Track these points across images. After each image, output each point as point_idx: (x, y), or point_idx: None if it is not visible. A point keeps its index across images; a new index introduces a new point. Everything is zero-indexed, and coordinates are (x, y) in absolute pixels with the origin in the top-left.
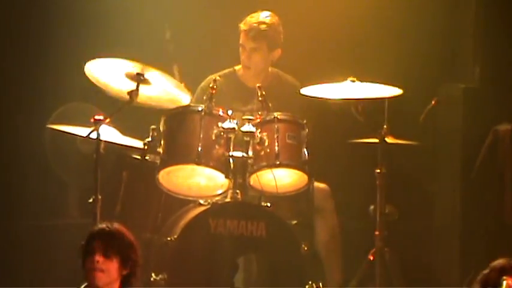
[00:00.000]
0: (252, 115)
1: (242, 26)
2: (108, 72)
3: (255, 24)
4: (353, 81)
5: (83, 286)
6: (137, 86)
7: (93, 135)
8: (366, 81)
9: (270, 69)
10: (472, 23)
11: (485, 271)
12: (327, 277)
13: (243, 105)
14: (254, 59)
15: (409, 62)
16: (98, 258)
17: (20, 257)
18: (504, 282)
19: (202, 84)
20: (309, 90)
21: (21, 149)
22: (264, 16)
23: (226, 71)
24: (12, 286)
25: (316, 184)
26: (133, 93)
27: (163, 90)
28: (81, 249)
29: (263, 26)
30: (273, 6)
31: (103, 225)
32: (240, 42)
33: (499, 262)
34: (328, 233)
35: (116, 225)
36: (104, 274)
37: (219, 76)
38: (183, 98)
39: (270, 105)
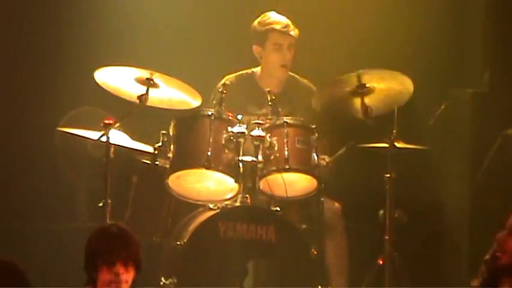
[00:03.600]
0: (261, 120)
1: (275, 26)
2: (118, 78)
3: (285, 22)
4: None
5: None
6: (147, 90)
7: (103, 139)
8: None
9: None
10: (481, 27)
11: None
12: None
13: (258, 109)
14: (290, 56)
15: (419, 67)
16: (120, 270)
17: (30, 259)
18: None
19: (219, 85)
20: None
21: (32, 152)
22: (282, 17)
23: (243, 72)
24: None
25: (329, 202)
26: (143, 97)
27: (173, 93)
28: (90, 252)
29: (290, 23)
30: (282, 6)
31: (115, 227)
32: (273, 41)
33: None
34: (337, 251)
35: (126, 228)
36: (126, 285)
37: (236, 77)
38: (194, 100)
39: (279, 109)
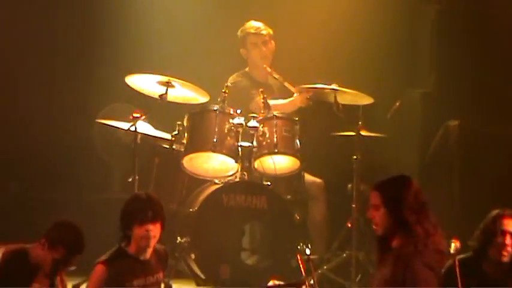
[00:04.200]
0: (255, 114)
1: (250, 30)
2: (144, 81)
3: (257, 25)
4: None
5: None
6: (166, 90)
7: (132, 129)
8: (346, 88)
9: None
10: (428, 35)
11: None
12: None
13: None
14: (268, 48)
15: (378, 70)
16: (150, 227)
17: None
18: (452, 244)
19: (230, 82)
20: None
21: (76, 140)
22: (256, 22)
23: (241, 71)
24: None
25: (313, 178)
26: (163, 96)
27: (186, 92)
28: (126, 213)
29: (262, 25)
30: (263, 16)
31: (145, 194)
32: (250, 42)
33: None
34: (319, 218)
35: (153, 195)
36: (155, 240)
37: (237, 75)
38: (201, 97)
39: (270, 105)
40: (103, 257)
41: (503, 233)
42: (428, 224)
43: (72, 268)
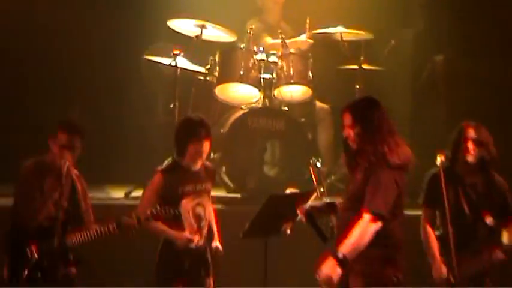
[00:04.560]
0: (275, 50)
1: None
2: (184, 24)
3: None
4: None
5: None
6: (201, 31)
7: (173, 63)
8: (350, 28)
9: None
10: None
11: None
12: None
13: (265, 37)
14: (277, 3)
15: (377, 13)
16: (203, 143)
17: (124, 145)
18: (438, 158)
19: (246, 27)
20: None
21: (129, 71)
22: None
23: (258, 17)
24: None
25: (322, 104)
26: (199, 36)
27: (217, 32)
28: (182, 131)
29: None
30: None
31: (198, 116)
32: None
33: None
34: (326, 138)
35: (203, 117)
36: (205, 154)
37: (255, 19)
38: (230, 37)
39: (287, 43)
40: (160, 167)
41: (466, 139)
42: (393, 140)
43: (77, 152)
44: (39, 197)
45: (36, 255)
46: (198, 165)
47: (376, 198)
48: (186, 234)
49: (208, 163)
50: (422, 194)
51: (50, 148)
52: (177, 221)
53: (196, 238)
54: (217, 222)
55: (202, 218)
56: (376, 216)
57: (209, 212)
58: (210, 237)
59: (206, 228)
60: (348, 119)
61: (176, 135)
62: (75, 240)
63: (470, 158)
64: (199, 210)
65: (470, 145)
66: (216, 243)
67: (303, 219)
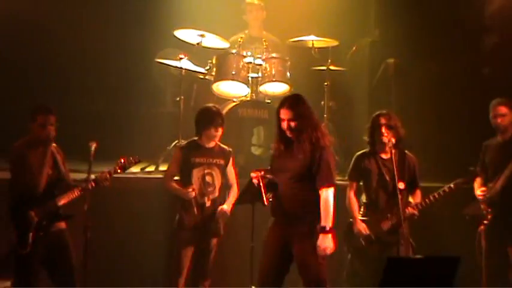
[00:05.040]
0: (261, 56)
1: (248, 1)
2: (187, 33)
3: (252, 2)
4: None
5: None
6: (201, 40)
7: (179, 65)
8: (320, 37)
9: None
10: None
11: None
12: None
13: (252, 44)
14: (260, 13)
15: (341, 24)
16: (219, 129)
17: (132, 133)
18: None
19: (232, 38)
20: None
21: (142, 71)
22: None
23: (246, 31)
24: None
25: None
26: (199, 43)
27: (214, 41)
28: (202, 117)
29: (256, 2)
30: None
31: (215, 107)
32: (248, 10)
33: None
34: None
35: (218, 107)
36: (218, 137)
37: (243, 34)
38: (224, 44)
39: (270, 49)
40: (179, 145)
41: (380, 125)
42: (320, 128)
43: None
44: (31, 169)
45: (36, 218)
46: (211, 144)
47: (328, 174)
48: (187, 189)
49: (226, 147)
50: (349, 170)
51: (31, 129)
52: (188, 184)
53: (192, 192)
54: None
55: (211, 184)
56: (332, 186)
57: (219, 181)
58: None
59: (216, 194)
60: (287, 114)
61: (197, 120)
62: (64, 201)
63: (385, 139)
64: (208, 178)
65: (384, 129)
66: (223, 206)
67: (256, 182)
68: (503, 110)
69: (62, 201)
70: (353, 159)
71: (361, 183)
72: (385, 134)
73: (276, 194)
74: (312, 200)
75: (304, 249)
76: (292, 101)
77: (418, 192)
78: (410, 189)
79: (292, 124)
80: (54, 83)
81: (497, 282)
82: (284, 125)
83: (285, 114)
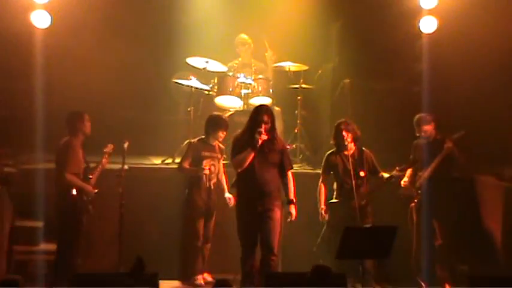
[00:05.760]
0: (251, 77)
1: (239, 40)
2: (196, 60)
3: (243, 37)
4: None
5: (188, 142)
6: (206, 65)
7: (190, 84)
8: (295, 62)
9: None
10: (335, 36)
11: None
12: None
13: (247, 70)
14: (248, 49)
15: (310, 54)
16: (225, 132)
17: (149, 137)
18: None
19: (229, 64)
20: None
21: (161, 88)
22: (243, 35)
23: (240, 58)
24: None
25: (277, 108)
26: (205, 67)
27: (216, 65)
28: (212, 123)
29: (246, 37)
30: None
31: (222, 114)
32: (239, 46)
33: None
34: (279, 129)
35: (224, 116)
36: (221, 139)
37: (235, 61)
38: (223, 68)
39: (257, 72)
40: (192, 141)
41: (341, 130)
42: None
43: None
44: (78, 158)
45: (76, 192)
46: (214, 143)
47: (291, 161)
48: (200, 168)
49: (221, 145)
50: (322, 165)
51: (76, 130)
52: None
53: (205, 169)
54: (226, 179)
55: (213, 172)
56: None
57: (218, 170)
58: (221, 188)
59: (215, 180)
60: (268, 119)
61: (207, 123)
62: (94, 180)
63: (346, 141)
64: (212, 168)
65: (345, 133)
66: (227, 195)
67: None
68: (427, 119)
69: (93, 180)
70: (324, 157)
71: (332, 174)
72: (345, 136)
73: (255, 178)
74: (280, 181)
75: (277, 218)
76: (270, 110)
77: (382, 175)
78: (375, 175)
79: (268, 127)
80: (96, 94)
81: (424, 245)
82: (265, 127)
83: (267, 119)
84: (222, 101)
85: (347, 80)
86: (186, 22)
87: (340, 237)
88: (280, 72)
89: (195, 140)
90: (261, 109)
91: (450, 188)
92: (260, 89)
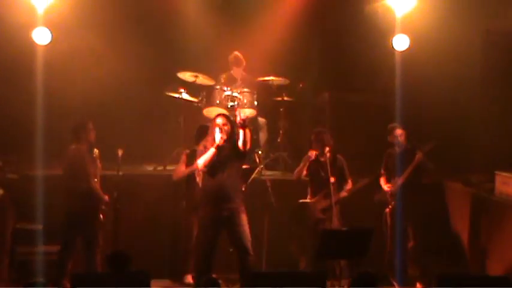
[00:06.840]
0: (236, 90)
1: (232, 59)
2: (186, 75)
3: (235, 55)
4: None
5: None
6: (195, 79)
7: (181, 96)
8: (278, 77)
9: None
10: (315, 49)
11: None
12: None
13: (233, 83)
14: (240, 66)
15: (292, 70)
16: (221, 128)
17: (154, 144)
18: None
19: (217, 78)
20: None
21: (155, 98)
22: (236, 53)
23: (227, 73)
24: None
25: (261, 118)
26: (194, 81)
27: (203, 79)
28: (201, 131)
29: (239, 54)
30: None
31: (207, 124)
32: (232, 63)
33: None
34: (264, 138)
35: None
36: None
37: (226, 74)
38: (211, 82)
39: (243, 85)
40: (186, 151)
41: (321, 142)
42: None
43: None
44: (87, 165)
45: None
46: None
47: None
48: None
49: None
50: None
51: (81, 139)
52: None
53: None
54: None
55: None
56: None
57: None
58: None
59: None
60: (225, 121)
61: (197, 133)
62: (98, 186)
63: (323, 149)
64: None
65: (320, 142)
66: None
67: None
68: (399, 131)
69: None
70: (304, 157)
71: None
72: (321, 145)
73: (219, 181)
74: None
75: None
76: (227, 116)
77: (349, 182)
78: (343, 180)
79: (227, 128)
80: (93, 105)
81: (398, 246)
82: (222, 128)
83: (225, 121)
84: (210, 112)
85: (326, 94)
86: (177, 38)
87: (319, 239)
88: (265, 86)
89: (188, 151)
90: (218, 115)
91: (421, 194)
92: (245, 101)
